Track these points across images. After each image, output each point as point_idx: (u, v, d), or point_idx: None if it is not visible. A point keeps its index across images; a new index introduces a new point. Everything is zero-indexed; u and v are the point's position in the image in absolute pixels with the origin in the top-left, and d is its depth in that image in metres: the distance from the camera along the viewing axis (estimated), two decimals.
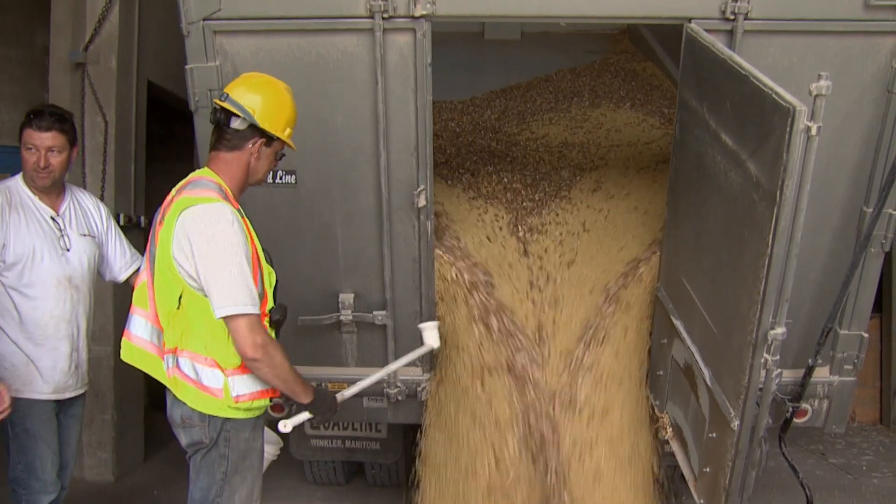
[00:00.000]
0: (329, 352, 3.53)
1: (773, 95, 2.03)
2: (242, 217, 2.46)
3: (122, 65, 4.71)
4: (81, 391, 3.17)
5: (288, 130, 2.53)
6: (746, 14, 2.81)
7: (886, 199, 3.03)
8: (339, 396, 2.73)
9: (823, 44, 2.92)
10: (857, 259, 3.10)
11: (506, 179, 4.03)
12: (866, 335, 3.48)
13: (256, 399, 2.50)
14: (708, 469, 2.78)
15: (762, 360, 2.28)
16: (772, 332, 2.23)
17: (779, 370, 2.36)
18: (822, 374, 3.50)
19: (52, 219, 3.04)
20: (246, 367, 2.43)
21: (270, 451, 3.04)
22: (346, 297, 3.37)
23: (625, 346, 3.47)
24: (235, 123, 2.43)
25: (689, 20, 2.83)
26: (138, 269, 3.14)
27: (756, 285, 2.19)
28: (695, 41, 2.68)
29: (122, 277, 3.26)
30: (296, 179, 3.14)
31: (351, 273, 3.35)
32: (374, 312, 3.38)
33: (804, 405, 3.55)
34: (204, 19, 2.80)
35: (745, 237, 2.29)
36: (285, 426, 2.57)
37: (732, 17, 2.81)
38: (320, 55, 2.89)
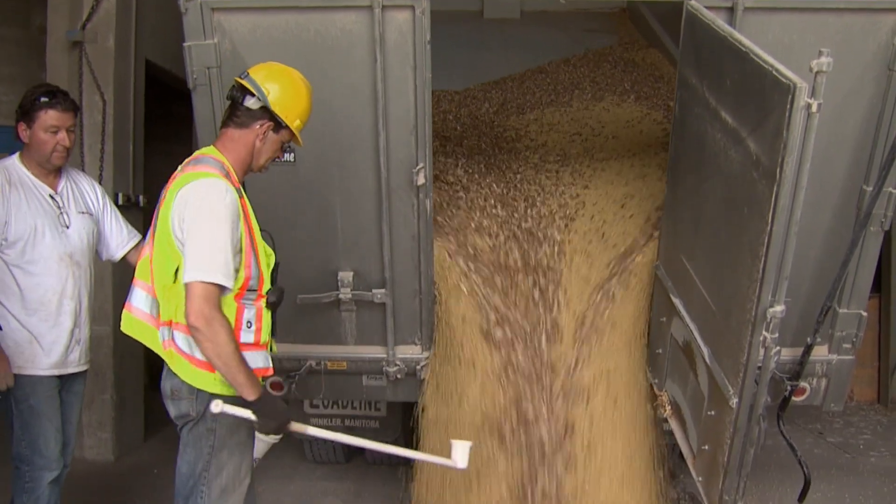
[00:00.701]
0: (328, 330, 3.54)
1: (774, 73, 2.02)
2: (241, 197, 2.46)
3: (120, 43, 4.67)
4: (84, 367, 3.20)
5: (298, 122, 2.54)
6: None
7: (886, 178, 3.03)
8: (298, 426, 2.54)
9: (824, 21, 2.90)
10: (857, 238, 3.10)
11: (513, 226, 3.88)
12: (865, 314, 3.48)
13: None
14: (706, 447, 2.79)
15: (761, 338, 2.28)
16: (771, 309, 2.23)
17: (777, 348, 2.37)
18: (820, 352, 3.51)
19: (51, 197, 3.06)
20: (240, 342, 2.43)
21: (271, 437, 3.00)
22: (346, 276, 3.36)
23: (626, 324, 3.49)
24: (249, 102, 2.46)
25: None
26: (136, 247, 3.21)
27: (755, 263, 2.19)
28: (695, 18, 2.66)
29: (119, 255, 3.27)
30: (294, 158, 3.13)
31: (350, 251, 3.34)
32: (374, 291, 3.38)
33: (802, 383, 3.55)
34: None
35: (744, 215, 2.29)
36: (217, 405, 2.36)
37: None
38: (319, 33, 2.87)
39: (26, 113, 2.98)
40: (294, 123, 2.53)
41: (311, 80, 2.82)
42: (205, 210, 2.34)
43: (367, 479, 4.63)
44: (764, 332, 2.27)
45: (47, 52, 4.66)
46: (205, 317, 2.28)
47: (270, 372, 2.60)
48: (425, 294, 3.42)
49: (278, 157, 2.64)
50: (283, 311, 2.68)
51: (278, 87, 2.47)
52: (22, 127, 3.00)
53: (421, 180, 3.11)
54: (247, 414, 2.39)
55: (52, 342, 3.03)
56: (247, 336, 2.48)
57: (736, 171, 2.36)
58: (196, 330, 2.29)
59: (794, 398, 3.45)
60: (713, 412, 2.69)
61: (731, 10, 2.83)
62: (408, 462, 3.99)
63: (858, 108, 3.05)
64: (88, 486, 4.41)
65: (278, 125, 2.50)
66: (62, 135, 2.99)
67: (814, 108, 1.99)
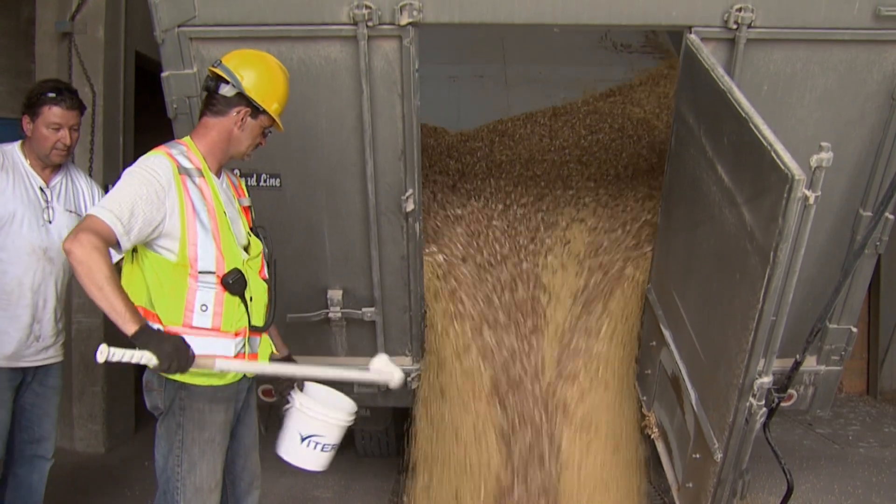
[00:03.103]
0: (319, 343, 3.52)
1: (773, 154, 1.94)
2: (202, 177, 2.40)
3: (110, 35, 4.59)
4: (49, 361, 3.11)
5: (276, 106, 2.48)
6: (750, 24, 2.68)
7: (887, 207, 2.98)
8: (206, 360, 2.35)
9: (828, 52, 2.81)
10: (850, 266, 3.06)
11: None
12: (855, 329, 3.49)
13: None
14: (690, 485, 2.81)
15: (747, 405, 2.27)
16: (759, 380, 2.21)
17: (764, 410, 2.35)
18: (808, 363, 3.53)
19: (41, 189, 3.01)
20: (191, 325, 2.38)
21: (339, 416, 2.72)
22: (335, 294, 3.34)
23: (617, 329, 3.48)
24: (224, 90, 2.42)
25: (690, 29, 2.71)
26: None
27: (745, 334, 2.16)
28: (694, 59, 2.56)
29: None
30: (280, 182, 3.07)
31: (339, 270, 3.31)
32: (364, 309, 3.36)
33: (790, 391, 3.57)
34: (179, 26, 2.68)
35: (736, 280, 2.25)
36: (102, 352, 2.18)
37: (735, 26, 2.68)
38: (302, 62, 2.77)
39: (31, 106, 2.95)
40: (272, 107, 2.47)
41: (295, 107, 2.76)
42: (130, 170, 2.33)
43: (357, 472, 4.68)
44: (751, 399, 2.26)
45: (36, 43, 4.57)
46: (80, 241, 2.16)
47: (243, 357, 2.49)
48: (415, 311, 3.40)
49: (260, 144, 2.55)
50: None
51: (253, 73, 2.43)
52: (26, 120, 2.97)
53: (410, 206, 3.06)
54: (139, 355, 2.21)
55: (2, 331, 2.96)
56: (201, 319, 2.41)
57: (730, 232, 2.30)
58: (69, 253, 2.17)
59: (781, 404, 3.46)
60: (698, 455, 2.70)
61: (732, 42, 2.73)
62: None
63: (859, 136, 3.00)
64: (79, 477, 4.45)
65: (256, 111, 2.44)
66: (63, 132, 2.96)
67: (811, 201, 1.93)
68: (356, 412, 2.82)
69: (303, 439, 2.67)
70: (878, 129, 2.97)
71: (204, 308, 2.40)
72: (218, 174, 2.49)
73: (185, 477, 2.48)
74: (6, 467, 3.14)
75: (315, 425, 2.67)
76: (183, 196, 2.34)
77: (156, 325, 2.33)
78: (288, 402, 2.75)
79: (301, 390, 2.74)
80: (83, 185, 3.17)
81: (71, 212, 3.08)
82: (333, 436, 2.71)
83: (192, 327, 2.39)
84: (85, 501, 4.18)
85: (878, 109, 2.93)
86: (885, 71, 2.85)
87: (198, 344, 2.38)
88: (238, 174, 2.73)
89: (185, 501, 2.48)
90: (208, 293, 2.39)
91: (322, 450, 2.70)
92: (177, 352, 2.26)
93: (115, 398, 4.94)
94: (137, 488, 4.39)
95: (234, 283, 2.42)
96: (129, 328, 2.20)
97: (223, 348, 2.46)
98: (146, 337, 2.23)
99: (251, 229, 2.61)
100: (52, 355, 3.14)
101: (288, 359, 2.85)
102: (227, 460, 2.75)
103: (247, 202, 2.63)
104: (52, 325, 3.09)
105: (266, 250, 2.65)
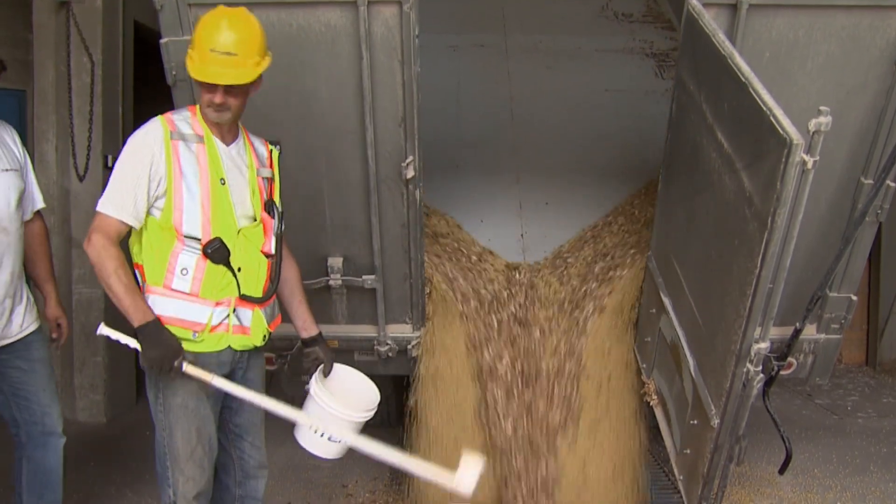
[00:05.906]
0: (319, 309, 3.51)
1: (772, 119, 1.94)
2: (201, 143, 2.47)
3: (108, 4, 4.59)
4: (27, 332, 2.99)
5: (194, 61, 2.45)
6: None
7: (888, 174, 2.97)
8: (193, 369, 2.41)
9: (831, 17, 2.78)
10: (851, 235, 3.05)
11: None
12: (855, 298, 3.49)
13: (172, 325, 2.44)
14: (688, 451, 2.83)
15: (745, 370, 2.28)
16: (756, 345, 2.22)
17: (761, 376, 2.37)
18: (808, 331, 3.54)
19: None
20: (170, 287, 2.44)
21: (352, 414, 2.68)
22: (335, 262, 3.35)
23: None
24: None
25: None
26: (36, 216, 3.05)
27: (743, 300, 2.17)
28: (695, 23, 2.54)
29: (25, 218, 3.00)
30: (280, 149, 3.05)
31: (339, 238, 3.31)
32: (364, 277, 3.37)
33: (789, 359, 3.58)
34: None
35: (734, 246, 2.25)
36: (102, 328, 2.43)
37: None
38: (302, 28, 2.75)
39: None
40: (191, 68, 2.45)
41: (295, 72, 2.82)
42: (126, 147, 2.43)
43: None
44: (748, 365, 2.27)
45: (34, 13, 4.56)
46: (94, 246, 2.35)
47: (201, 327, 2.50)
48: (415, 279, 3.41)
49: (213, 99, 2.44)
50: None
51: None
52: None
53: (410, 173, 3.05)
54: (132, 342, 2.38)
55: None
56: (180, 283, 2.45)
57: (729, 199, 2.30)
58: (89, 257, 2.38)
59: (780, 372, 3.47)
60: (696, 422, 2.71)
61: (734, 7, 2.71)
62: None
63: (861, 103, 2.97)
64: (80, 447, 4.48)
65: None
66: None
67: (809, 165, 1.92)
68: (377, 405, 2.83)
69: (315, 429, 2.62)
70: (881, 97, 2.95)
71: (184, 272, 2.45)
72: (232, 141, 2.55)
73: (169, 442, 2.56)
74: (21, 452, 3.09)
75: (326, 419, 2.60)
76: (171, 160, 2.41)
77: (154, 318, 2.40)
78: (306, 382, 2.73)
79: (325, 376, 2.79)
80: (6, 136, 2.96)
81: (7, 170, 2.87)
82: (345, 431, 2.61)
83: (170, 289, 2.44)
84: (86, 471, 4.22)
85: (880, 76, 2.90)
86: (889, 37, 2.82)
87: (173, 307, 2.44)
88: (271, 145, 2.77)
89: (171, 466, 2.57)
90: (191, 258, 2.44)
91: (332, 440, 2.62)
92: (160, 360, 2.39)
93: (117, 368, 4.98)
94: (139, 458, 4.43)
95: (213, 253, 2.46)
96: (134, 322, 2.37)
97: (198, 314, 2.49)
98: (143, 335, 2.37)
99: (267, 202, 2.64)
100: (30, 323, 3.01)
101: (318, 338, 2.91)
102: (232, 435, 2.80)
103: (267, 173, 2.67)
104: (10, 296, 2.92)
105: (276, 225, 2.67)
